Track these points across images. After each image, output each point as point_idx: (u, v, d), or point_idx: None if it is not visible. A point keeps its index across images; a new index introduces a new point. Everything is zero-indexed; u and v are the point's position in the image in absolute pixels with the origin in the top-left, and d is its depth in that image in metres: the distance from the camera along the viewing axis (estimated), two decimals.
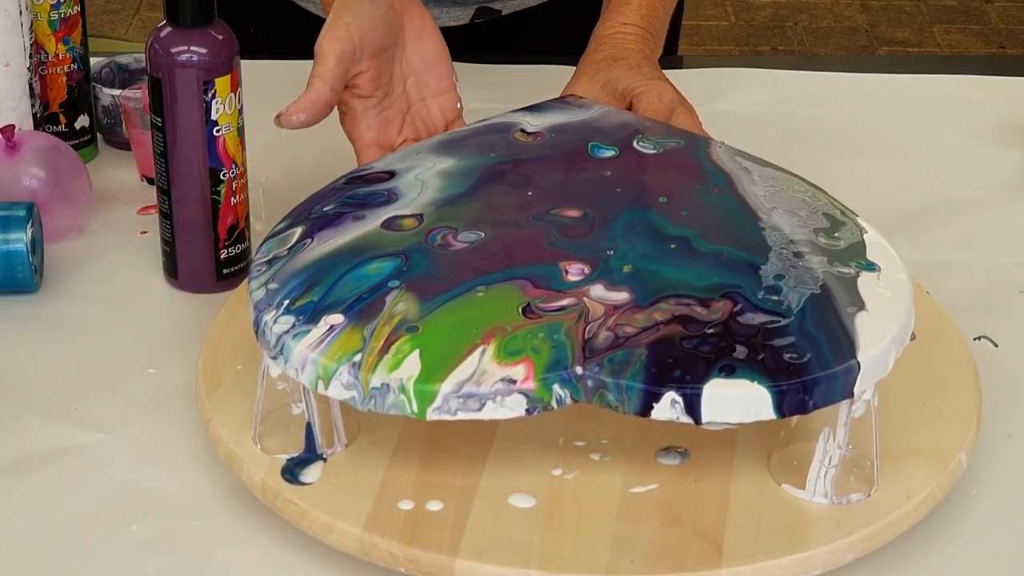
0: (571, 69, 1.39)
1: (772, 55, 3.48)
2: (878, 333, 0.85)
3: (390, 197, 0.98)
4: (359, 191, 0.99)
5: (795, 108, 1.38)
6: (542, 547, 0.83)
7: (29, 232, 1.07)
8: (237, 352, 0.97)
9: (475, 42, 1.43)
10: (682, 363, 0.82)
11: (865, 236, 0.93)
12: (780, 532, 0.84)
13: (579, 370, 0.83)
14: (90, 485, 0.92)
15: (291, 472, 0.88)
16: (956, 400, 0.94)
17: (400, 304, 0.87)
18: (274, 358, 0.86)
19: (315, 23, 1.22)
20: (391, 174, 1.00)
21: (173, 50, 1.04)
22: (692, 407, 0.82)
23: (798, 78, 1.43)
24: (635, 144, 1.03)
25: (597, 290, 0.88)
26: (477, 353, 0.84)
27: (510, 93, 1.36)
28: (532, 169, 1.01)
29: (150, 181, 1.20)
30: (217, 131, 1.05)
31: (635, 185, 0.99)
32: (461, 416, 0.82)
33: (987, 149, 1.31)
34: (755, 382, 0.81)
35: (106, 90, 1.27)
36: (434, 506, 0.85)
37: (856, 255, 0.91)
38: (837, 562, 0.83)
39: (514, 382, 0.82)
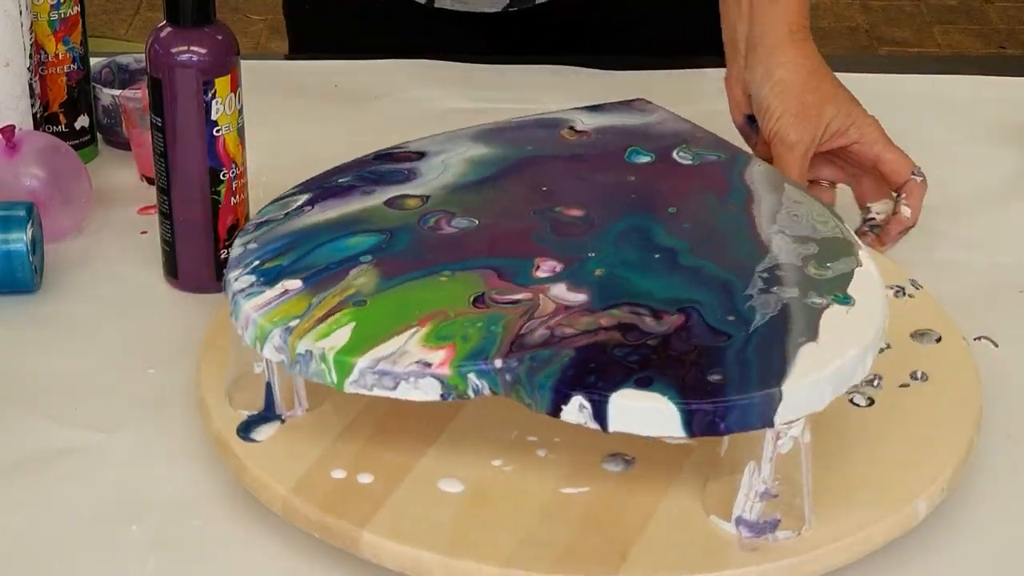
0: (576, 69, 1.39)
1: None
2: (814, 366, 0.82)
3: (408, 176, 1.00)
4: (381, 167, 1.01)
5: None
6: (452, 532, 0.83)
7: (29, 232, 1.07)
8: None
9: (509, 30, 1.42)
10: (601, 369, 0.82)
11: (858, 269, 0.90)
12: (691, 552, 0.82)
13: (498, 363, 0.83)
14: (90, 485, 0.92)
15: (246, 428, 0.90)
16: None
17: (361, 278, 0.90)
18: (232, 315, 0.89)
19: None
20: (421, 155, 1.03)
21: (173, 50, 1.04)
22: (599, 414, 0.81)
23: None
24: (674, 154, 1.03)
25: (558, 289, 0.88)
26: (408, 334, 0.85)
27: (510, 93, 1.36)
28: (559, 166, 1.01)
29: (150, 181, 1.20)
30: (217, 131, 1.05)
31: (651, 193, 0.98)
32: (377, 392, 0.84)
33: (987, 149, 1.31)
34: (666, 397, 0.80)
35: (106, 90, 1.27)
36: (364, 479, 0.87)
37: (837, 287, 0.88)
38: None
39: (429, 365, 0.83)
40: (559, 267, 0.90)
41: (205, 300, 1.07)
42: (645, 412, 0.80)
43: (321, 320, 0.86)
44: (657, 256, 0.91)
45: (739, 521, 0.83)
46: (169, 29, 1.05)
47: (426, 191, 0.98)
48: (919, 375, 0.96)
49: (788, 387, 0.80)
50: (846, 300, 0.87)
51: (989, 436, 0.94)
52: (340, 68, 1.42)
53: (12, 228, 1.06)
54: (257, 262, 0.92)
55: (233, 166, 1.07)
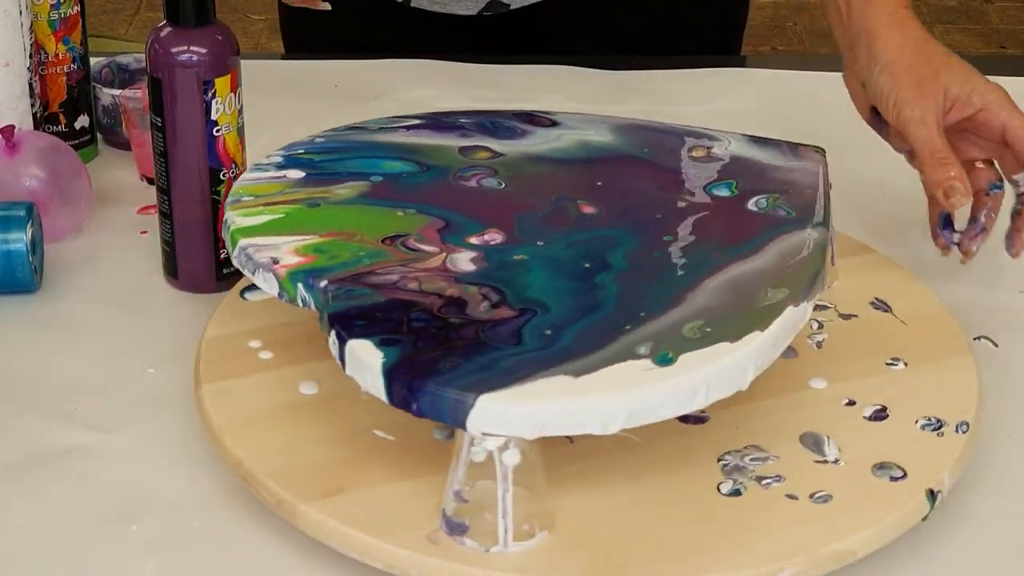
0: (572, 69, 1.39)
1: (772, 55, 3.48)
2: (550, 394, 0.80)
3: (517, 135, 1.06)
4: (507, 122, 1.07)
5: (795, 108, 1.37)
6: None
7: (29, 232, 1.07)
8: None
9: (483, 35, 1.43)
10: (375, 320, 0.85)
11: (737, 348, 0.83)
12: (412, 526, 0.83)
13: (323, 283, 0.89)
14: (90, 485, 0.92)
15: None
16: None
17: (344, 190, 0.98)
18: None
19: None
20: (553, 123, 1.08)
21: (173, 50, 1.04)
22: (341, 354, 0.84)
23: (798, 78, 1.43)
24: (751, 201, 0.99)
25: (464, 255, 0.92)
26: (300, 237, 0.93)
27: (509, 93, 1.36)
28: (645, 173, 1.02)
29: (150, 181, 1.20)
30: (217, 131, 1.05)
31: (676, 219, 0.97)
32: (246, 273, 0.92)
33: None
34: (383, 360, 0.82)
35: (106, 90, 1.27)
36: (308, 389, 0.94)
37: (678, 349, 0.82)
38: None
39: (276, 263, 0.90)
40: (495, 241, 0.93)
41: (205, 300, 1.07)
42: (360, 365, 0.82)
43: (268, 204, 0.96)
44: (587, 266, 0.91)
45: (443, 512, 0.83)
46: (169, 29, 1.05)
47: (509, 151, 1.03)
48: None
49: (487, 400, 0.79)
50: (665, 360, 0.82)
51: (989, 436, 0.94)
52: (340, 68, 1.42)
53: (12, 228, 1.06)
54: (302, 150, 1.02)
55: (233, 166, 1.07)
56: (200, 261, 1.09)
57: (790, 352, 0.97)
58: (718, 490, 0.86)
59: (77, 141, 1.24)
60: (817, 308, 1.01)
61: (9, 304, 1.08)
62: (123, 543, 0.87)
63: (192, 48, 1.04)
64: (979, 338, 1.05)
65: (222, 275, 1.09)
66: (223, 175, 1.07)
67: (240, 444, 0.89)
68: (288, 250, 0.92)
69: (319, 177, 0.99)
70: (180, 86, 1.04)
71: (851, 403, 0.94)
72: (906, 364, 0.97)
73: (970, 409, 0.93)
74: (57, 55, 1.23)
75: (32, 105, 1.20)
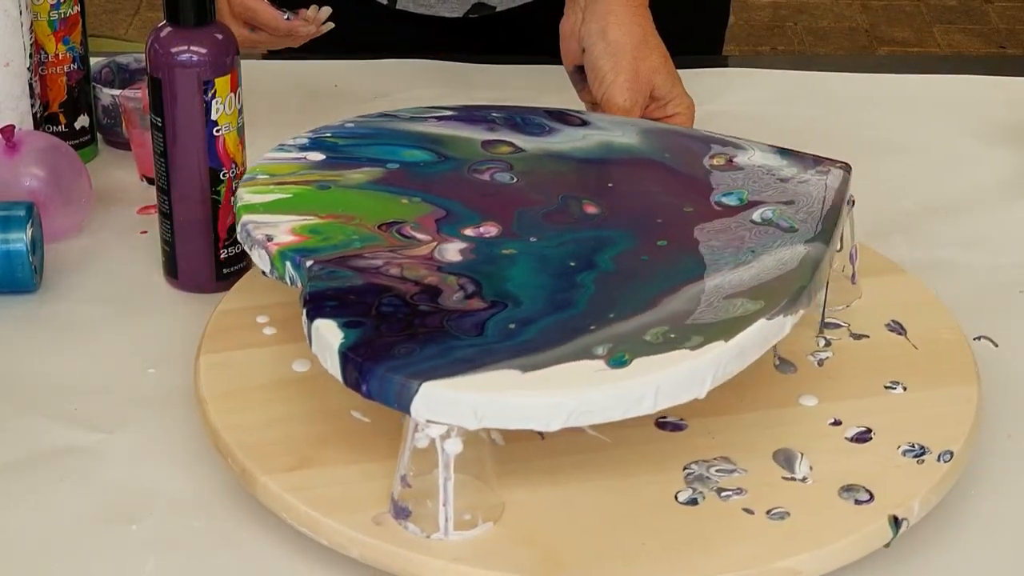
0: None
1: (772, 55, 3.48)
2: (493, 386, 0.80)
3: (543, 132, 1.06)
4: (537, 119, 1.08)
5: (795, 108, 1.38)
6: None
7: (29, 232, 1.07)
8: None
9: (469, 37, 1.44)
10: (347, 303, 0.87)
11: (696, 355, 0.82)
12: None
13: (309, 263, 0.91)
14: (90, 485, 0.92)
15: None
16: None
17: (358, 175, 1.00)
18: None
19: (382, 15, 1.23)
20: (584, 123, 1.08)
21: (173, 50, 1.04)
22: (308, 332, 0.86)
23: (798, 78, 1.43)
24: (757, 212, 0.97)
25: (454, 246, 0.93)
26: (302, 217, 0.95)
27: (509, 93, 1.36)
28: (659, 177, 1.01)
29: (150, 181, 1.20)
30: (217, 131, 1.05)
31: (673, 227, 0.95)
32: (247, 248, 0.95)
33: (987, 149, 1.31)
34: (342, 340, 0.83)
35: (106, 90, 1.27)
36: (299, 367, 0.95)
37: (634, 352, 0.82)
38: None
39: (270, 240, 0.93)
40: (489, 234, 0.94)
41: (205, 300, 1.07)
42: (322, 344, 0.84)
43: (280, 183, 0.99)
44: (572, 264, 0.91)
45: (391, 495, 0.84)
46: (169, 29, 1.05)
47: (531, 147, 1.04)
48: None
49: (429, 386, 0.79)
50: (619, 362, 0.82)
51: (989, 436, 0.94)
52: (340, 68, 1.42)
53: (12, 228, 1.06)
54: (329, 134, 1.05)
55: (233, 166, 1.07)
56: (200, 261, 1.09)
57: (788, 367, 0.96)
58: (675, 498, 0.86)
59: (77, 141, 1.24)
60: (829, 326, 1.00)
61: (9, 304, 1.08)
62: (123, 543, 0.87)
63: (192, 48, 1.04)
64: (979, 338, 1.05)
65: (222, 275, 1.09)
66: (223, 175, 1.07)
67: (221, 414, 0.91)
68: (285, 229, 0.94)
69: (338, 161, 1.02)
70: (180, 86, 1.04)
71: (837, 423, 0.92)
72: (905, 388, 0.95)
73: (959, 439, 0.90)
74: (57, 55, 1.23)
75: (32, 105, 1.20)
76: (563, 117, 1.08)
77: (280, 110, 1.33)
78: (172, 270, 1.10)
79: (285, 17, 1.28)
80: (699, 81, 1.39)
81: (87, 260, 1.14)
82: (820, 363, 0.97)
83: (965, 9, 3.77)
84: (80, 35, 1.24)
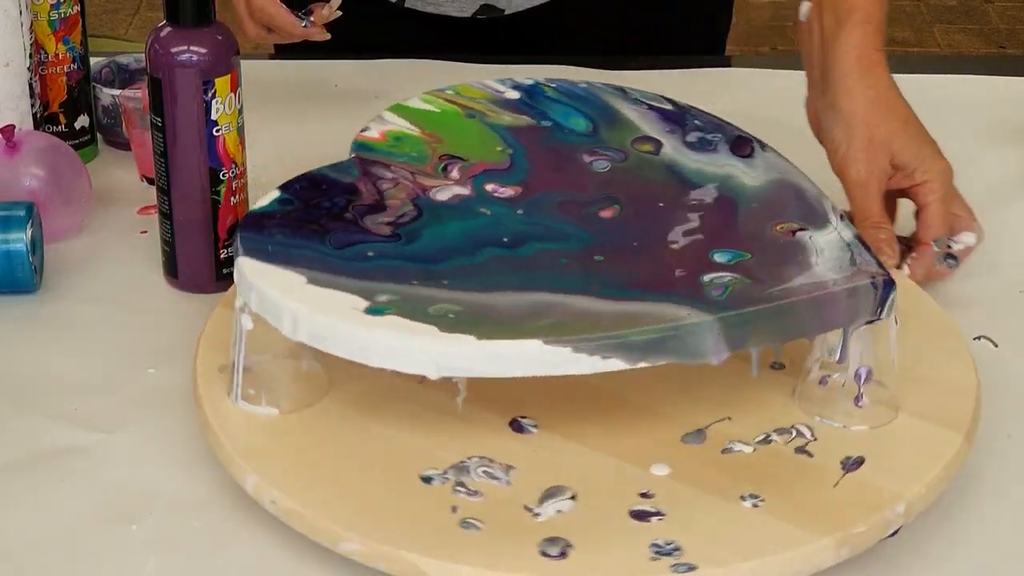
0: (571, 69, 1.39)
1: (772, 55, 3.48)
2: (271, 278, 0.87)
3: (708, 150, 1.05)
4: (713, 137, 1.06)
5: (795, 108, 1.37)
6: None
7: (29, 232, 1.07)
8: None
9: (477, 38, 1.44)
10: (315, 186, 0.97)
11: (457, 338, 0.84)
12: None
13: (353, 155, 1.01)
14: (90, 485, 0.92)
15: None
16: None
17: (508, 118, 1.07)
18: None
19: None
20: (748, 154, 1.05)
21: (173, 50, 1.04)
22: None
23: (799, 78, 1.43)
24: (717, 276, 0.93)
25: (455, 190, 0.99)
26: (410, 126, 1.05)
27: None
28: (712, 218, 0.98)
29: (150, 181, 1.20)
30: (217, 131, 1.05)
31: (634, 258, 0.94)
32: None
33: (987, 149, 1.31)
34: (271, 199, 0.94)
35: (106, 90, 1.27)
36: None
37: (428, 320, 0.84)
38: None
39: (363, 132, 1.03)
40: (500, 194, 0.99)
41: (205, 300, 1.07)
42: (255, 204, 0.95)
43: (451, 101, 1.08)
44: (504, 240, 0.93)
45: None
46: (169, 29, 1.05)
47: (666, 156, 1.04)
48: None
49: (242, 261, 0.89)
50: (377, 311, 0.85)
51: (989, 436, 0.94)
52: (340, 68, 1.42)
53: (12, 228, 1.06)
54: (552, 86, 1.11)
55: (233, 166, 1.07)
56: (200, 261, 1.09)
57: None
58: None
59: (77, 141, 1.24)
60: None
61: (9, 304, 1.08)
62: (123, 543, 0.87)
63: (192, 48, 1.04)
64: (979, 338, 1.05)
65: (222, 275, 1.09)
66: (223, 175, 1.07)
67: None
68: (384, 130, 1.04)
69: (522, 106, 1.08)
70: (180, 86, 1.04)
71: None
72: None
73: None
74: (57, 55, 1.23)
75: (32, 105, 1.20)
76: (739, 143, 1.05)
77: (280, 110, 1.33)
78: (172, 270, 1.10)
79: (303, 24, 1.29)
80: (699, 81, 1.39)
81: (87, 260, 1.14)
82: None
83: (965, 9, 3.77)
84: (80, 35, 1.24)
